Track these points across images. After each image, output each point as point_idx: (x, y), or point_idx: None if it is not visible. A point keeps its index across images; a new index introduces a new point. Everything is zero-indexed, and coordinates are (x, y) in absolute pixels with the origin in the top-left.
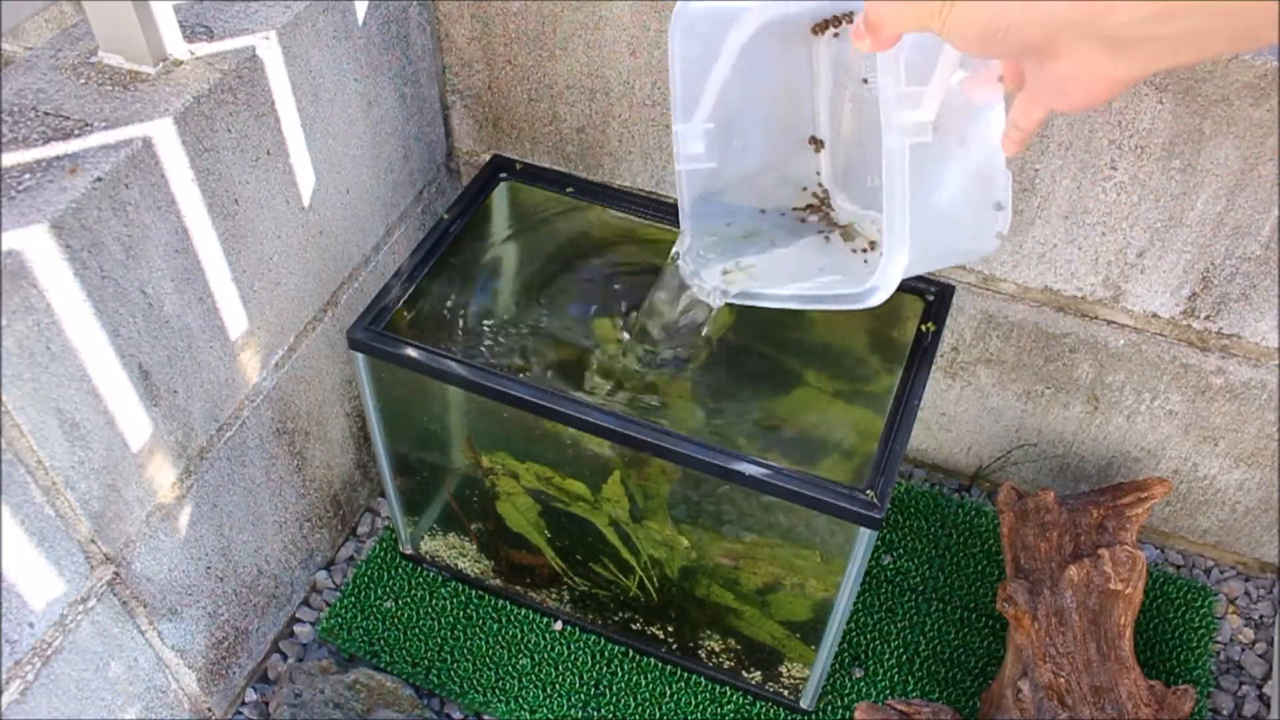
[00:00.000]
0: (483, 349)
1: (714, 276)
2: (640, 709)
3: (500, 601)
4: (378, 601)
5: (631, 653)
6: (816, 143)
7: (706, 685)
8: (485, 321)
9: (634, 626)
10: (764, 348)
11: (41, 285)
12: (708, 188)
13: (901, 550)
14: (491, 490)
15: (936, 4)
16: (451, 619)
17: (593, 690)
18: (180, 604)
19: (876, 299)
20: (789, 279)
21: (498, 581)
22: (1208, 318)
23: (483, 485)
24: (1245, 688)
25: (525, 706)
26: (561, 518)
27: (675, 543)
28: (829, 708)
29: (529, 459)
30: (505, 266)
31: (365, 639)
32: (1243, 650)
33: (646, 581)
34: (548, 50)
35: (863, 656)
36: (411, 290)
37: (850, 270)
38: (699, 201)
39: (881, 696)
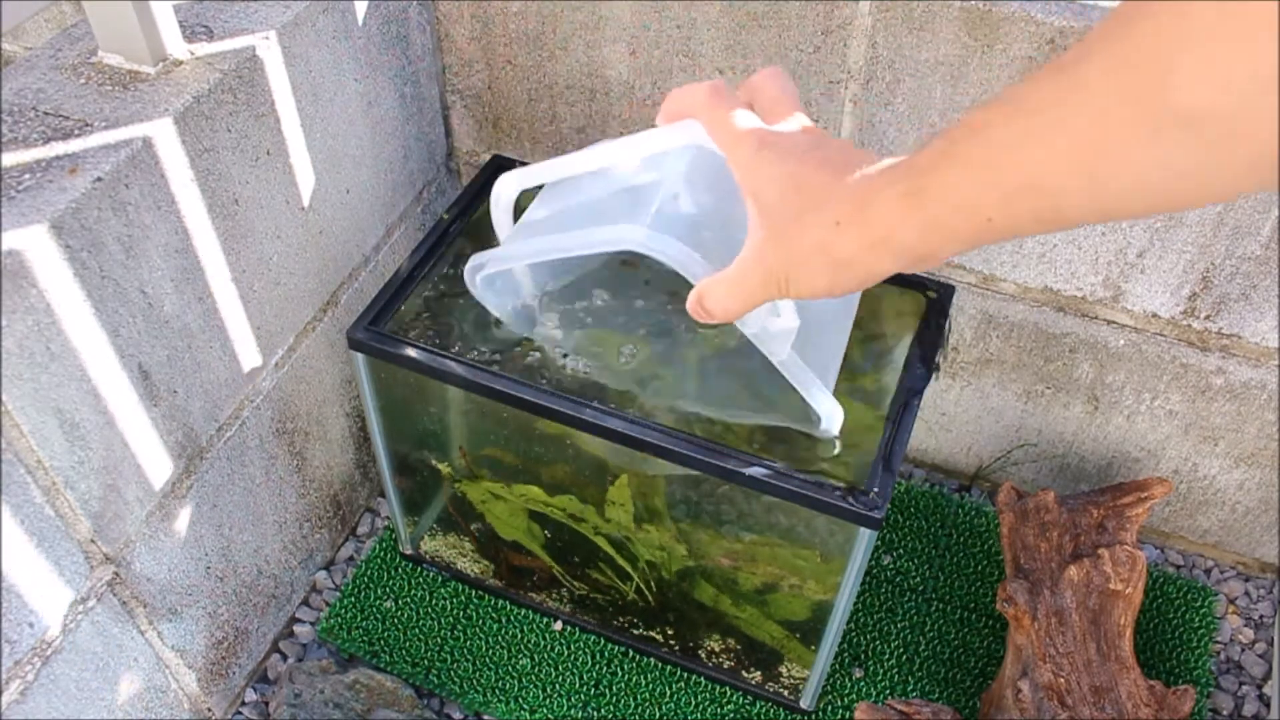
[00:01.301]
0: (482, 349)
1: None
2: (640, 709)
3: (500, 601)
4: (378, 601)
5: (631, 653)
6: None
7: (706, 685)
8: (485, 321)
9: (635, 631)
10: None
11: (41, 285)
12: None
13: (901, 550)
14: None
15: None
16: (451, 619)
17: (593, 690)
18: (180, 604)
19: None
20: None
21: (497, 582)
22: (1208, 318)
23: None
24: (1245, 688)
25: (525, 706)
26: (553, 525)
27: (671, 548)
28: (829, 708)
29: (524, 460)
30: None
31: (365, 639)
32: (1243, 650)
33: (644, 588)
34: (548, 50)
35: (863, 656)
36: (411, 290)
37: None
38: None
39: (881, 696)
